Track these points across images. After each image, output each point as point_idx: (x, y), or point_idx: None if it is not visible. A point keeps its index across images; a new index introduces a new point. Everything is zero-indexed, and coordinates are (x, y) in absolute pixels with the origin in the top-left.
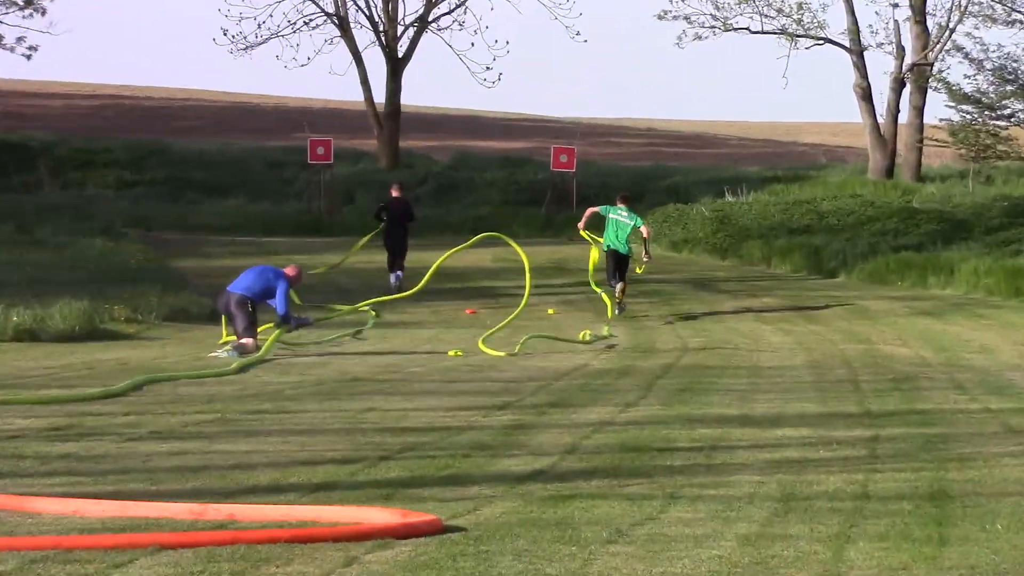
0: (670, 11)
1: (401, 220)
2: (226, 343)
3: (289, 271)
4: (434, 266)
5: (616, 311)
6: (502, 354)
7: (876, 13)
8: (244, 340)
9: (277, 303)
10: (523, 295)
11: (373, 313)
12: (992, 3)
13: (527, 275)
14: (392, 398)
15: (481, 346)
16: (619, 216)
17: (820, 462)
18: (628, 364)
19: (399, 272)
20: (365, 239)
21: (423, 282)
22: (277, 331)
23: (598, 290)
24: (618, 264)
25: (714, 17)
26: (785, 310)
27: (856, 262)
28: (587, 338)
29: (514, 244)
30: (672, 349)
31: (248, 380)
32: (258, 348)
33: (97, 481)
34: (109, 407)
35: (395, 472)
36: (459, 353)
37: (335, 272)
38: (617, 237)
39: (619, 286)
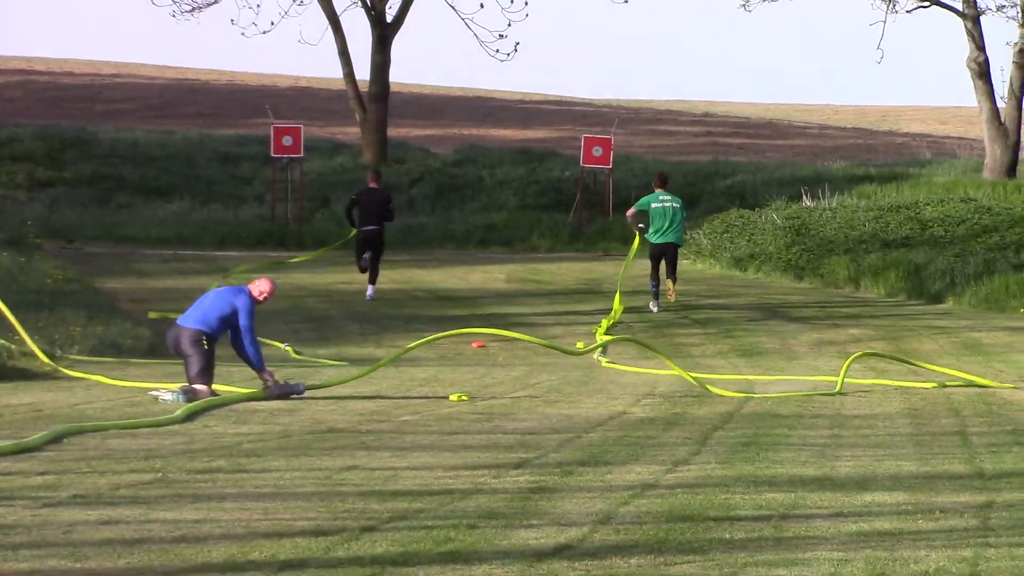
0: None
1: (374, 215)
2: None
3: (255, 288)
4: None
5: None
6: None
7: None
8: (197, 386)
9: (245, 344)
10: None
11: (288, 348)
12: None
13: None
14: (378, 454)
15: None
16: (664, 203)
17: (919, 535)
18: (677, 412)
19: (371, 290)
20: (323, 250)
21: None
22: (260, 390)
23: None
24: (671, 259)
25: None
26: (877, 343)
27: (967, 284)
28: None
29: None
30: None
31: (196, 431)
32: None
33: (7, 557)
34: (21, 464)
35: (382, 547)
36: (464, 397)
37: (303, 293)
38: (672, 225)
39: (670, 284)
